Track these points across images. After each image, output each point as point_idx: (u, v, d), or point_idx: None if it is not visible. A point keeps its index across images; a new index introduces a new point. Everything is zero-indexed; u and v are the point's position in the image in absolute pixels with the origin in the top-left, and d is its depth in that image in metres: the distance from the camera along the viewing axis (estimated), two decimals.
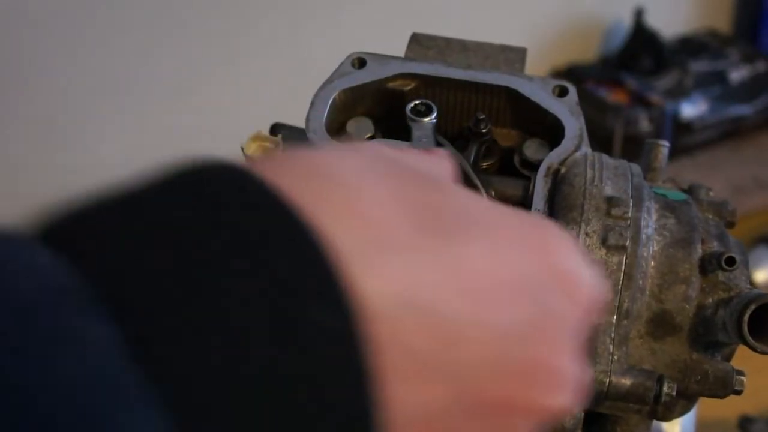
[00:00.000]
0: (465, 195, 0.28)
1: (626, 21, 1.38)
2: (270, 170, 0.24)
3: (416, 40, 0.51)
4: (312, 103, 0.46)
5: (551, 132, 0.46)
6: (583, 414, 0.40)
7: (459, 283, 0.25)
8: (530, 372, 0.27)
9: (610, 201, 0.42)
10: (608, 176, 0.44)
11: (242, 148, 0.49)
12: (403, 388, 0.24)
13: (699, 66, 1.37)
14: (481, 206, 0.28)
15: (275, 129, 0.53)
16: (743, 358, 0.45)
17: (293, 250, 0.22)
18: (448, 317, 0.25)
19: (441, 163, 0.32)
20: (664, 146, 0.49)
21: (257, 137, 0.49)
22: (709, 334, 0.42)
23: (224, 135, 0.94)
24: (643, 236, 0.41)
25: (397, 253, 0.24)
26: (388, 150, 0.29)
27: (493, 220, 0.27)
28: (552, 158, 0.44)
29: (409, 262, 0.24)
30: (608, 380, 0.40)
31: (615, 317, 0.40)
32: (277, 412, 0.21)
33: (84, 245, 0.21)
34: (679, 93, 1.31)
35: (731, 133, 1.36)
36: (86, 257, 0.21)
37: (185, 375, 0.20)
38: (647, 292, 0.41)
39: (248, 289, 0.21)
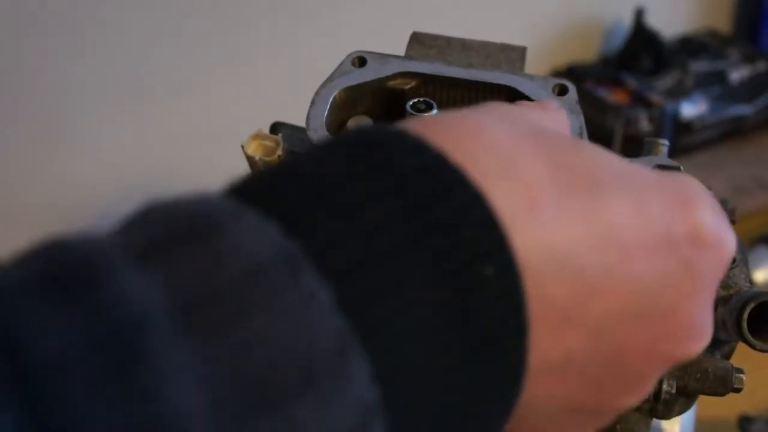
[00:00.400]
0: (601, 152, 0.29)
1: (626, 21, 1.38)
2: (431, 133, 0.26)
3: (417, 38, 0.51)
4: (312, 102, 0.46)
5: None
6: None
7: (599, 237, 0.26)
8: (666, 323, 0.28)
9: None
10: None
11: (242, 147, 0.49)
12: (545, 337, 0.26)
13: (699, 66, 1.37)
14: (619, 163, 0.29)
15: (275, 128, 0.54)
16: (743, 356, 0.45)
17: (468, 215, 0.24)
18: (587, 270, 0.26)
19: (560, 117, 0.34)
20: (664, 145, 0.49)
21: (258, 136, 0.49)
22: None
23: (224, 134, 0.94)
24: None
25: (542, 210, 0.25)
26: (518, 110, 0.32)
27: (632, 176, 0.28)
28: None
29: (553, 218, 0.26)
30: None
31: None
32: (453, 363, 0.24)
33: (285, 214, 0.23)
34: (679, 93, 1.31)
35: (731, 133, 1.36)
36: (294, 227, 0.23)
37: (382, 330, 0.23)
38: None
39: (425, 250, 0.23)
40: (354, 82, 0.47)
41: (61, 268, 0.21)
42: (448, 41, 0.51)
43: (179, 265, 0.21)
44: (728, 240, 0.30)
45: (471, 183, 0.25)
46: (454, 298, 0.24)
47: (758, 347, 0.40)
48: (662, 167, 0.37)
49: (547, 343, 0.26)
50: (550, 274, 0.25)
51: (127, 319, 0.20)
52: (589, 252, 0.26)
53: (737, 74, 1.38)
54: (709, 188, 0.50)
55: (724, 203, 0.49)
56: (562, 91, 0.46)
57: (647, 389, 0.30)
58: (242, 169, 0.53)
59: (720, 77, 1.37)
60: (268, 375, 0.21)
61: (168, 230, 0.22)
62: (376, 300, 0.23)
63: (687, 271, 0.28)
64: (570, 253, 0.26)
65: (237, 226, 0.22)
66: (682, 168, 0.37)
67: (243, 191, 0.25)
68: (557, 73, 1.35)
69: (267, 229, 0.23)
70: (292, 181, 0.25)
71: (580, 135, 0.44)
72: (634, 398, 0.30)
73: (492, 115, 0.29)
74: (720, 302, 0.43)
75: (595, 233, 0.26)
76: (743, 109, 1.35)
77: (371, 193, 0.24)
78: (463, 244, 0.24)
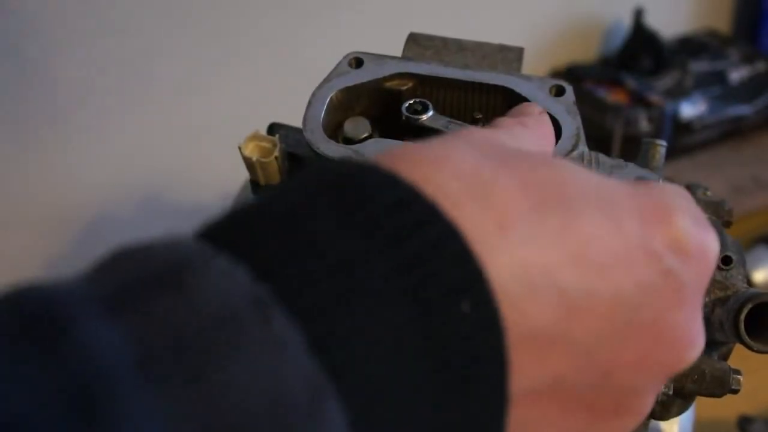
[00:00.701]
0: (574, 169, 0.28)
1: (626, 21, 1.38)
2: (401, 165, 0.26)
3: (413, 39, 0.51)
4: (309, 103, 0.46)
5: None
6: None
7: (575, 254, 0.26)
8: (652, 334, 0.28)
9: None
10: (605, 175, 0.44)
11: (240, 148, 0.49)
12: (530, 362, 0.25)
13: (699, 66, 1.37)
14: (592, 178, 0.28)
15: (272, 129, 0.54)
16: (741, 357, 0.45)
17: (442, 250, 0.24)
18: (566, 289, 0.25)
19: (542, 132, 0.34)
20: (662, 146, 0.49)
21: (254, 137, 0.49)
22: (706, 333, 0.42)
23: (221, 134, 0.93)
24: None
25: (515, 232, 0.25)
26: (488, 133, 0.31)
27: (606, 191, 0.28)
28: None
29: (527, 239, 0.25)
30: None
31: None
32: (427, 406, 0.23)
33: (255, 256, 0.23)
34: (679, 93, 1.31)
35: (731, 133, 1.36)
36: (264, 270, 0.23)
37: (357, 371, 0.22)
38: None
39: (400, 287, 0.23)
40: (351, 83, 0.47)
41: (25, 318, 0.20)
42: (445, 42, 0.51)
43: (146, 315, 0.21)
44: (711, 247, 0.29)
45: (444, 216, 0.24)
46: (431, 337, 0.23)
47: (755, 348, 0.40)
48: (642, 179, 0.37)
49: (532, 368, 0.26)
50: (528, 297, 0.25)
51: (92, 372, 0.19)
52: (566, 270, 0.26)
53: (737, 74, 1.38)
54: (707, 189, 0.50)
55: (722, 204, 0.49)
56: (559, 92, 0.46)
57: (646, 406, 0.30)
58: (240, 169, 0.53)
59: (720, 77, 1.37)
60: (239, 427, 0.20)
61: (137, 277, 0.22)
62: (349, 341, 0.22)
63: (669, 282, 0.28)
64: (547, 274, 0.25)
65: (207, 271, 0.22)
66: (660, 180, 0.37)
67: (213, 233, 0.24)
68: (557, 73, 1.35)
69: (236, 273, 0.22)
70: (261, 221, 0.24)
71: (577, 136, 0.44)
72: (632, 417, 0.29)
73: (459, 142, 0.28)
74: (717, 303, 0.43)
75: (570, 251, 0.26)
76: (743, 109, 1.35)
77: (343, 231, 0.24)
78: (438, 280, 0.23)
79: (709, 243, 0.29)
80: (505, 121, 0.35)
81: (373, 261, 0.23)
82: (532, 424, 0.27)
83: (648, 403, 0.30)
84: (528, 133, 0.34)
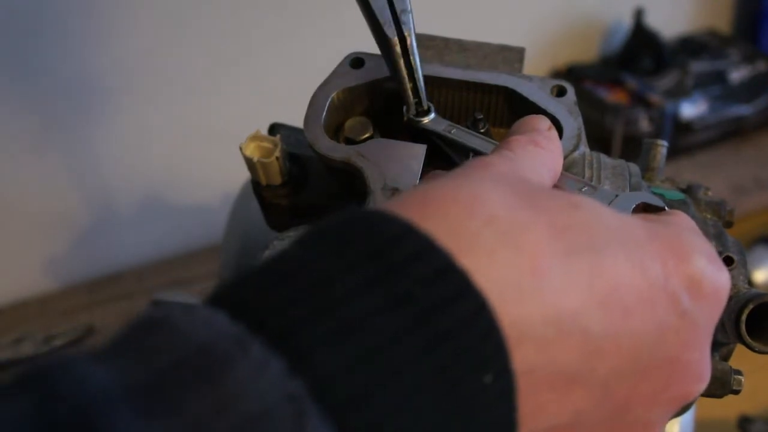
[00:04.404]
0: (595, 208, 0.29)
1: (626, 21, 1.38)
2: (433, 214, 0.26)
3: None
4: (310, 103, 0.46)
5: None
6: None
7: (601, 297, 0.27)
8: (667, 371, 0.29)
9: None
10: (606, 176, 0.44)
11: (241, 148, 0.49)
12: (553, 399, 0.27)
13: (699, 66, 1.37)
14: (612, 218, 0.29)
15: (274, 129, 0.53)
16: (742, 357, 0.45)
17: (472, 326, 0.24)
18: (591, 331, 0.27)
19: (552, 147, 0.35)
20: (663, 146, 0.49)
21: (255, 137, 0.49)
22: None
23: (223, 135, 0.93)
24: None
25: (545, 277, 0.26)
26: (508, 165, 0.32)
27: (627, 232, 0.29)
28: None
29: (557, 284, 0.26)
30: None
31: None
32: None
33: (287, 338, 0.23)
34: (679, 93, 1.31)
35: (731, 133, 1.36)
36: (298, 356, 0.23)
37: None
38: None
39: (430, 366, 0.24)
40: (352, 84, 0.47)
41: (59, 415, 0.20)
42: (446, 42, 0.51)
43: (180, 415, 0.21)
44: (723, 285, 0.31)
45: (475, 290, 0.25)
46: (457, 410, 0.24)
47: (757, 349, 0.40)
48: (648, 206, 0.37)
49: (555, 406, 0.27)
50: (557, 340, 0.26)
51: None
52: (592, 313, 0.27)
53: (737, 74, 1.38)
54: (708, 189, 0.50)
55: (722, 204, 0.49)
56: (560, 92, 0.46)
57: None
58: (241, 169, 0.53)
59: (720, 77, 1.37)
60: None
61: (170, 367, 0.22)
62: (381, 430, 0.23)
63: (685, 321, 0.29)
64: (575, 318, 0.26)
65: (242, 364, 0.22)
66: (666, 208, 0.37)
67: (239, 305, 0.24)
68: (557, 74, 1.35)
69: (272, 366, 0.22)
70: (294, 293, 0.24)
71: (579, 136, 0.44)
72: None
73: (486, 180, 0.29)
74: None
75: (597, 294, 0.27)
76: (743, 109, 1.35)
77: (377, 308, 0.24)
78: (466, 356, 0.24)
79: (723, 283, 0.31)
80: (517, 141, 0.35)
81: (405, 341, 0.24)
82: None
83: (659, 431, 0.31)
84: (541, 154, 0.34)
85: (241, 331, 0.23)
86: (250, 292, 0.24)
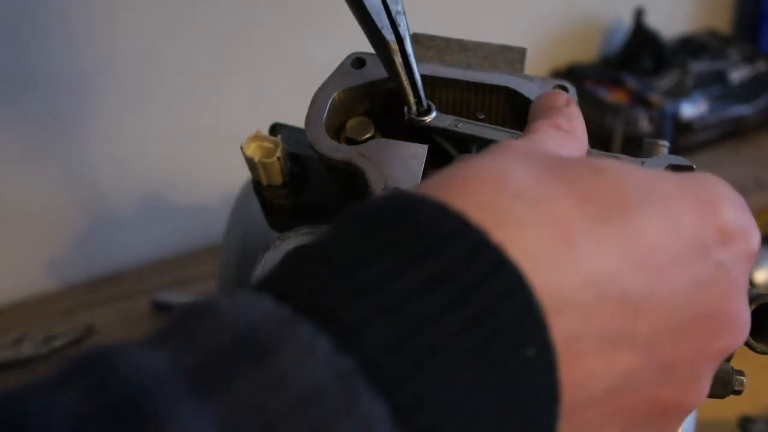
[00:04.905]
0: (621, 168, 0.29)
1: (626, 21, 1.38)
2: (463, 194, 0.27)
3: (416, 39, 0.51)
4: (311, 103, 0.46)
5: None
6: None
7: (636, 258, 0.27)
8: (708, 324, 0.30)
9: None
10: None
11: (242, 148, 0.49)
12: (599, 363, 0.27)
13: (699, 66, 1.37)
14: (639, 175, 0.29)
15: (275, 129, 0.53)
16: (743, 358, 0.45)
17: (511, 301, 0.25)
18: (630, 292, 0.27)
19: (574, 126, 0.35)
20: (664, 146, 0.49)
21: (257, 137, 0.49)
22: None
23: (223, 135, 0.93)
24: None
25: (579, 245, 0.26)
26: (530, 144, 0.32)
27: (656, 187, 0.29)
28: None
29: (591, 250, 0.27)
30: None
31: None
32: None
33: (334, 320, 0.23)
34: (679, 93, 1.31)
35: (731, 133, 1.36)
36: (345, 335, 0.23)
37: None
38: None
39: (472, 344, 0.24)
40: (353, 84, 0.47)
41: (115, 398, 0.20)
42: (447, 42, 0.51)
43: (233, 394, 0.21)
44: (752, 230, 0.31)
45: (512, 265, 0.25)
46: (502, 383, 0.25)
47: (759, 350, 0.40)
48: (675, 167, 0.37)
49: (603, 370, 0.27)
50: (597, 305, 0.26)
51: None
52: (628, 275, 0.27)
53: (737, 74, 1.38)
54: None
55: None
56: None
57: (705, 390, 0.32)
58: (242, 169, 0.53)
59: (720, 77, 1.37)
60: None
61: (219, 349, 0.22)
62: (428, 406, 0.23)
63: (720, 273, 0.29)
64: (611, 280, 0.27)
65: (290, 344, 0.22)
66: (694, 166, 0.37)
67: (284, 290, 0.24)
68: (557, 74, 1.35)
69: (320, 345, 0.23)
70: (332, 276, 0.24)
71: None
72: (694, 400, 0.31)
73: (509, 157, 0.29)
74: None
75: (632, 256, 0.27)
76: (743, 109, 1.35)
77: (419, 288, 0.24)
78: (508, 331, 0.25)
79: (750, 227, 0.31)
80: (539, 126, 0.35)
81: (448, 318, 0.24)
82: (602, 424, 0.29)
83: (706, 387, 0.32)
84: (564, 137, 0.34)
85: (287, 313, 0.23)
86: (292, 276, 0.25)
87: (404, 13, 0.42)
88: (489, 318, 0.24)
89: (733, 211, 0.30)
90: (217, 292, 0.28)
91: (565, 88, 0.46)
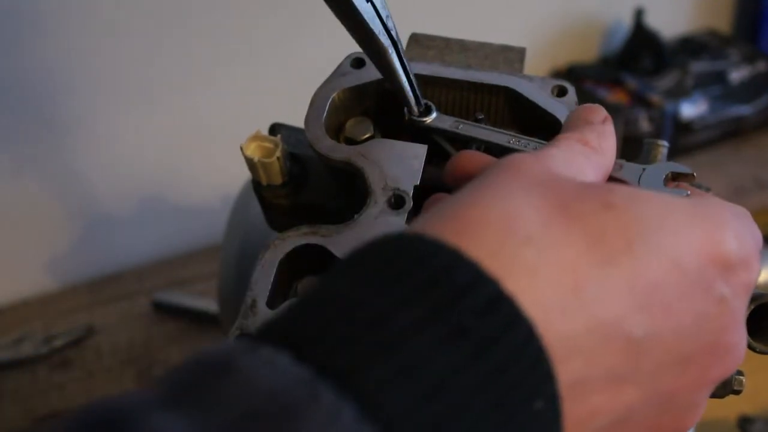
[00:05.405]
0: (629, 197, 0.29)
1: (626, 21, 1.38)
2: (454, 238, 0.26)
3: (415, 40, 0.51)
4: (311, 103, 0.46)
5: (550, 132, 0.46)
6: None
7: (641, 300, 0.28)
8: (709, 356, 0.30)
9: None
10: None
11: (241, 148, 0.49)
12: (604, 401, 0.28)
13: (699, 66, 1.37)
14: (653, 208, 0.29)
15: (274, 129, 0.53)
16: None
17: (523, 355, 0.25)
18: (632, 334, 0.27)
19: (601, 156, 0.34)
20: (664, 146, 0.49)
21: (256, 137, 0.49)
22: None
23: (223, 135, 0.93)
24: None
25: (586, 291, 0.27)
26: (542, 162, 0.31)
27: (667, 222, 0.29)
28: None
29: (598, 295, 0.27)
30: None
31: None
32: None
33: (351, 379, 0.23)
34: (679, 93, 1.31)
35: (731, 133, 1.36)
36: (366, 398, 0.23)
37: None
38: None
39: (489, 401, 0.24)
40: (352, 84, 0.47)
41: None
42: (447, 42, 0.51)
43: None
44: (754, 261, 0.31)
45: (525, 319, 0.25)
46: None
47: (758, 350, 0.40)
48: (677, 175, 0.37)
49: (607, 406, 0.28)
50: (602, 348, 0.27)
51: None
52: (634, 316, 0.27)
53: (737, 74, 1.38)
54: (708, 189, 0.50)
55: None
56: (561, 92, 0.46)
57: (701, 411, 0.32)
58: (242, 169, 0.53)
59: (720, 77, 1.37)
60: None
61: (242, 416, 0.22)
62: None
63: (722, 307, 0.30)
64: (617, 323, 0.27)
65: (314, 414, 0.22)
66: (695, 174, 0.37)
67: (299, 342, 0.24)
68: (557, 74, 1.35)
69: (344, 415, 0.22)
70: (350, 333, 0.24)
71: None
72: (691, 423, 0.32)
73: (515, 191, 0.29)
74: None
75: (637, 297, 0.28)
76: (743, 109, 1.35)
77: (436, 343, 0.24)
78: (520, 386, 0.25)
79: (754, 259, 0.31)
80: (566, 139, 0.34)
81: (464, 378, 0.24)
82: None
83: (702, 410, 0.32)
84: (589, 155, 0.33)
85: (308, 376, 0.23)
86: (309, 331, 0.25)
87: (390, 15, 0.42)
88: (503, 376, 0.25)
89: (738, 241, 0.30)
90: (230, 336, 0.29)
91: (564, 88, 0.46)
